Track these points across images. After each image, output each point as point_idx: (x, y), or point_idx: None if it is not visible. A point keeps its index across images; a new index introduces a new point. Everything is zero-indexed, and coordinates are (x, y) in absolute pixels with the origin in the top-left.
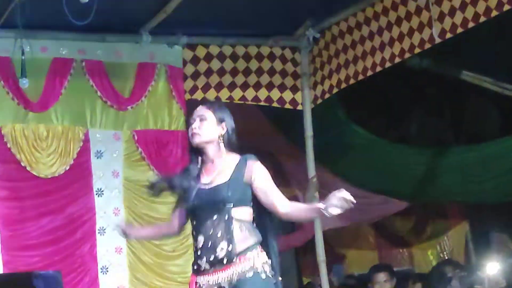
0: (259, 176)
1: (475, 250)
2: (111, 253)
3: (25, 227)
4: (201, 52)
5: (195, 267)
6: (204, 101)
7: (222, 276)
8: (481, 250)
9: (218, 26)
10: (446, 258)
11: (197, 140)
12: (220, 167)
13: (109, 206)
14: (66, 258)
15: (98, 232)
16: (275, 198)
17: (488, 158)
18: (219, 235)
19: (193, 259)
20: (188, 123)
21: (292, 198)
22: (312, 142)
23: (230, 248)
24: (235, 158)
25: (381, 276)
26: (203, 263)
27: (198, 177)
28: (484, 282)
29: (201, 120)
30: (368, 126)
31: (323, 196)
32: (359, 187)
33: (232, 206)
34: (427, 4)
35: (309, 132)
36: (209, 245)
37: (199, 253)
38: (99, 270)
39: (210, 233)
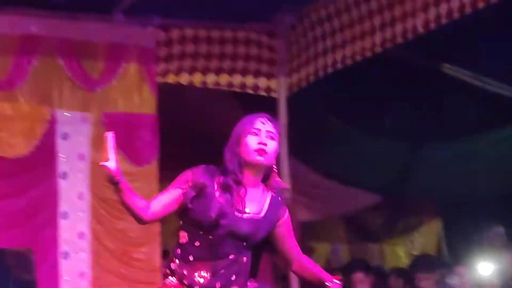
0: (287, 222)
1: (449, 247)
2: (74, 238)
3: None
4: (175, 34)
5: None
6: (263, 115)
7: None
8: (455, 248)
9: (193, 8)
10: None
11: (262, 160)
12: (252, 196)
13: (73, 190)
14: (27, 242)
15: (61, 217)
16: (295, 253)
17: (465, 154)
18: (233, 278)
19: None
20: (246, 129)
21: None
22: (286, 131)
23: None
24: (265, 190)
25: (359, 276)
26: None
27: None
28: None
29: (271, 138)
30: (345, 117)
31: (297, 191)
32: (332, 179)
33: (252, 248)
34: None
35: (283, 120)
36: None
37: None
38: (61, 255)
39: (221, 272)
